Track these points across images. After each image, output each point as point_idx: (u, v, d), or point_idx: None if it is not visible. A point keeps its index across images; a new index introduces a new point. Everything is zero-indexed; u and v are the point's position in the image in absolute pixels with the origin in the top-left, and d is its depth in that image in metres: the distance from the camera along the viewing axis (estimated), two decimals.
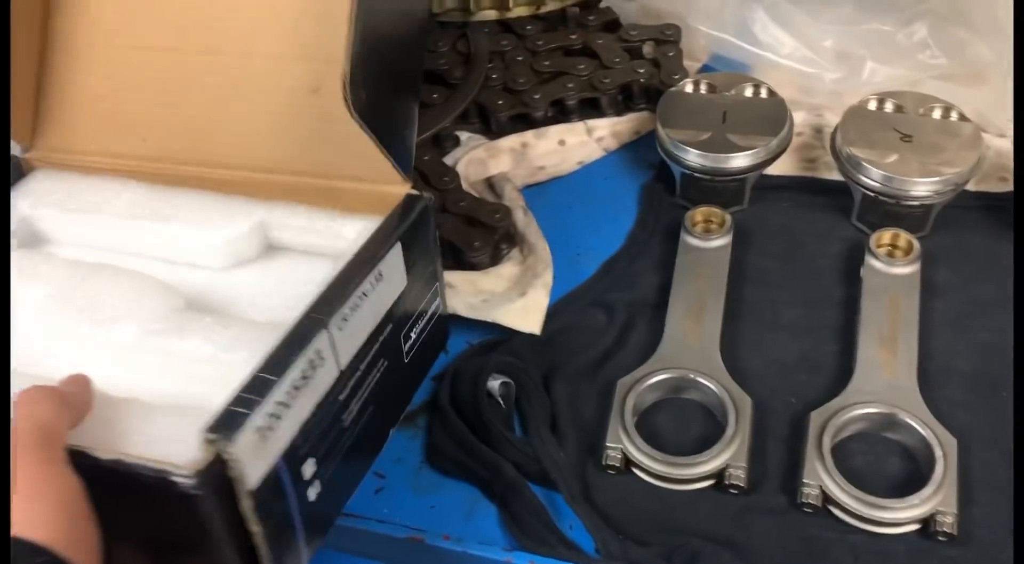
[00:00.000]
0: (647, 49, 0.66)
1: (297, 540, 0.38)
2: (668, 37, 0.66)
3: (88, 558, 0.32)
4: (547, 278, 0.52)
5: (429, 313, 0.46)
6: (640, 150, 0.63)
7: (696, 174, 0.56)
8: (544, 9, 0.66)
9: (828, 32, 0.63)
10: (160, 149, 0.48)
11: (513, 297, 0.52)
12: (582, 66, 0.64)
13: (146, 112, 0.48)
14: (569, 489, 0.44)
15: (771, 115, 0.57)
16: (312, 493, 0.38)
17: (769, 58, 0.64)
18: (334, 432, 0.39)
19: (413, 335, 0.45)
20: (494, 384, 0.49)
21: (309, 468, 0.37)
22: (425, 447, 0.48)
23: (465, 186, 0.58)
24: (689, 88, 0.59)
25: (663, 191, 0.59)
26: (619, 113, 0.64)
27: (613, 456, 0.45)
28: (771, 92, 0.59)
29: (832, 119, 0.61)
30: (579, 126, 0.63)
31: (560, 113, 0.64)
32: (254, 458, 0.34)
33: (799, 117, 0.60)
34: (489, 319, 0.51)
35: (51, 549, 0.30)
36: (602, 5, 0.69)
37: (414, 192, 0.44)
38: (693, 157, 0.55)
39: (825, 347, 0.50)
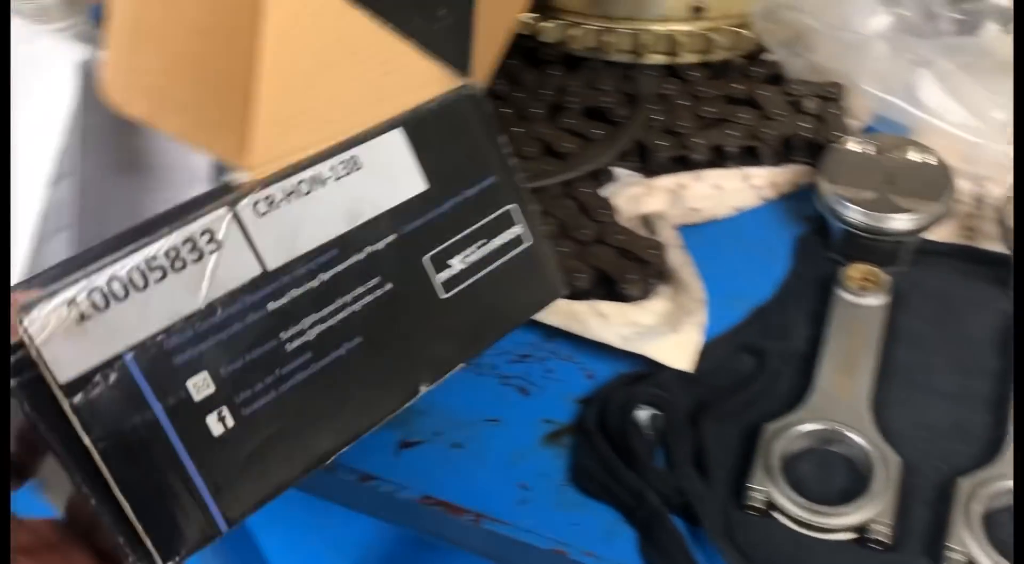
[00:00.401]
0: (810, 104, 0.67)
1: (195, 487, 0.31)
2: (832, 95, 0.67)
3: None
4: (701, 317, 0.54)
5: (501, 244, 0.40)
6: (796, 202, 0.64)
7: (856, 231, 0.56)
8: (711, 57, 0.68)
9: (998, 103, 0.63)
10: None
11: (665, 332, 0.53)
12: (744, 115, 0.66)
13: None
14: (712, 523, 0.45)
15: (935, 180, 0.58)
16: (214, 424, 0.31)
17: (935, 124, 0.64)
18: (260, 353, 0.32)
19: (457, 263, 0.38)
20: (642, 414, 0.50)
21: (201, 384, 0.31)
22: (570, 466, 0.50)
23: (621, 220, 0.60)
24: (854, 146, 0.60)
25: (819, 244, 0.60)
26: (777, 164, 0.65)
27: (757, 497, 0.46)
28: (935, 157, 0.59)
29: (994, 190, 0.61)
30: (736, 172, 0.64)
31: (718, 158, 0.65)
32: (66, 342, 0.28)
33: (962, 185, 0.60)
34: (641, 352, 0.52)
35: None
36: (768, 58, 0.71)
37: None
38: (855, 214, 0.56)
39: (977, 416, 0.50)
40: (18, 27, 0.64)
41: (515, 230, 0.40)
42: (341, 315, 0.34)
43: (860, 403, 0.49)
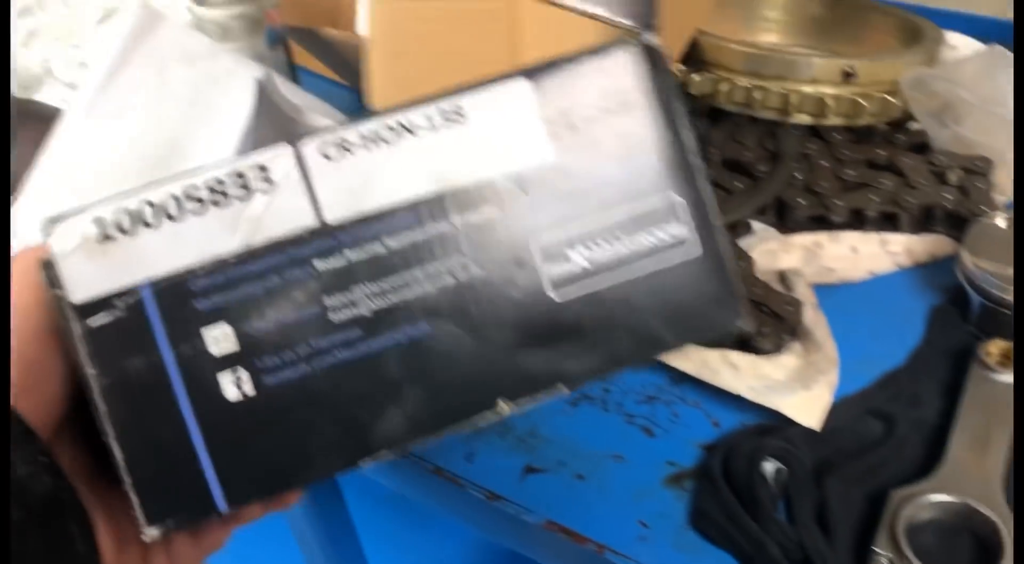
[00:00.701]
0: (954, 176, 0.67)
1: (194, 452, 0.28)
2: (979, 168, 0.67)
3: (39, 405, 0.28)
4: (832, 377, 0.54)
5: (651, 244, 0.30)
6: (934, 272, 0.64)
7: (997, 307, 0.56)
8: (857, 122, 0.69)
9: None
10: None
11: (796, 388, 0.54)
12: (886, 181, 0.66)
13: None
14: None
15: None
16: (229, 386, 0.28)
17: None
18: (298, 317, 0.28)
19: (578, 257, 0.30)
20: (768, 467, 0.51)
21: (222, 338, 0.28)
22: (691, 510, 0.51)
23: (756, 273, 0.61)
24: (1000, 222, 0.60)
25: (956, 316, 0.59)
26: (916, 232, 0.65)
27: (880, 563, 0.46)
28: None
29: None
30: (874, 237, 0.65)
31: (857, 221, 0.66)
32: (85, 262, 0.27)
33: None
34: (771, 405, 0.53)
35: None
36: (914, 127, 0.71)
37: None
38: (997, 290, 0.56)
39: None
40: (202, 44, 0.69)
41: (677, 230, 0.30)
42: (407, 293, 0.29)
43: (993, 480, 0.49)
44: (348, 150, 0.28)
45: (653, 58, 0.30)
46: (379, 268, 0.29)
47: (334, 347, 0.29)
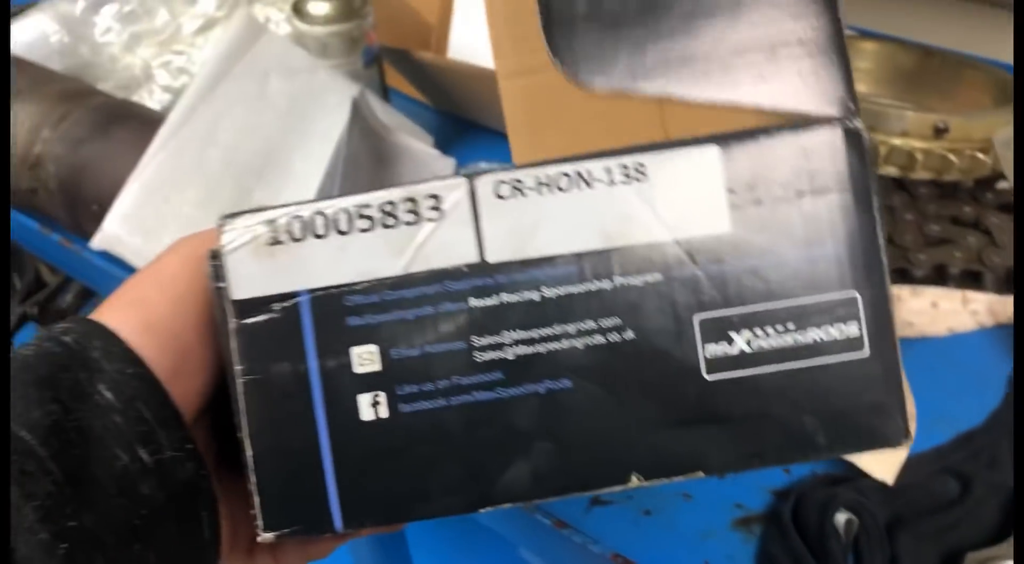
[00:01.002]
0: None
1: (321, 466, 0.28)
2: None
3: (187, 393, 0.28)
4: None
5: (819, 340, 0.29)
6: (1015, 333, 0.63)
7: None
8: (945, 177, 0.68)
9: None
10: None
11: None
12: (971, 238, 0.65)
13: None
14: None
15: None
16: (365, 406, 0.28)
17: None
18: (443, 350, 0.28)
19: (741, 341, 0.29)
20: (839, 517, 0.50)
21: (367, 358, 0.28)
22: (758, 555, 0.50)
23: None
24: None
25: None
26: (1000, 292, 0.64)
27: None
28: None
29: None
30: (956, 294, 0.64)
31: (939, 277, 0.65)
32: (252, 261, 0.28)
33: None
34: (846, 457, 0.53)
35: (125, 341, 0.27)
36: (1003, 186, 0.70)
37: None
38: None
39: None
40: (302, 58, 0.71)
41: (850, 329, 0.29)
42: (555, 346, 0.28)
43: None
44: (521, 192, 0.28)
45: (857, 143, 0.29)
46: (531, 315, 0.28)
47: (473, 387, 0.28)
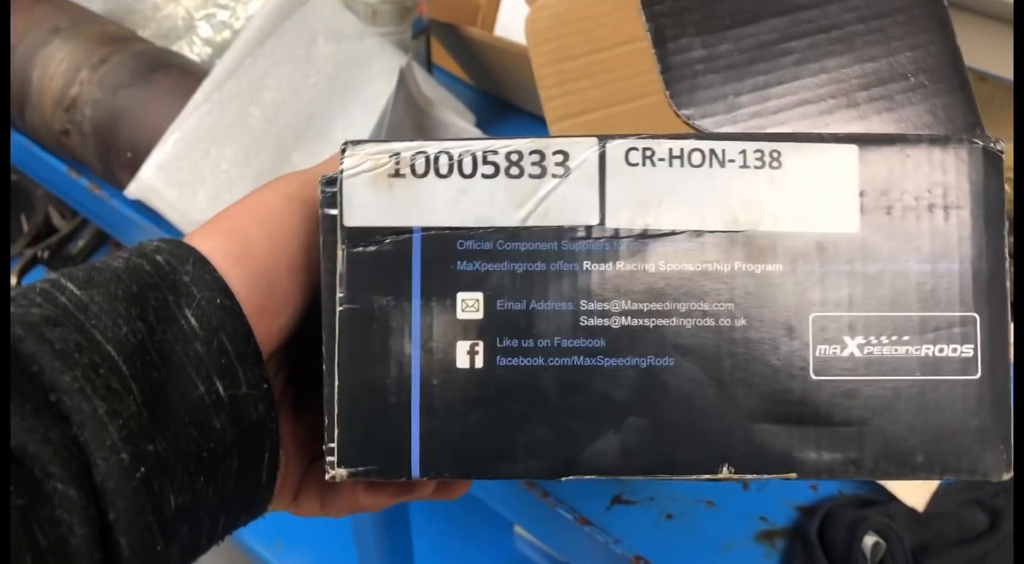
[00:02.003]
0: None
1: (409, 408, 0.27)
2: None
3: (269, 332, 0.28)
4: None
5: (931, 356, 0.28)
6: None
7: None
8: None
9: None
10: None
11: None
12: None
13: None
14: None
15: None
16: (462, 353, 0.28)
17: None
18: (548, 308, 0.28)
19: (853, 346, 0.28)
20: (867, 540, 0.49)
21: (471, 305, 0.28)
22: None
23: None
24: None
25: None
26: None
27: None
28: None
29: None
30: None
31: None
32: (369, 190, 0.27)
33: None
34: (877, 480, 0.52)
35: (212, 262, 0.27)
36: None
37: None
38: None
39: None
40: (351, 24, 0.69)
41: (965, 350, 0.28)
42: (662, 322, 0.28)
43: None
44: (652, 161, 0.28)
45: (994, 163, 0.29)
46: (644, 287, 0.28)
47: (574, 351, 0.28)
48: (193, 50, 0.78)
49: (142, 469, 0.24)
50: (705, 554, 0.50)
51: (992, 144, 0.29)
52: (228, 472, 0.26)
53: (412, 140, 0.28)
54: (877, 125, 0.30)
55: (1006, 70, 0.84)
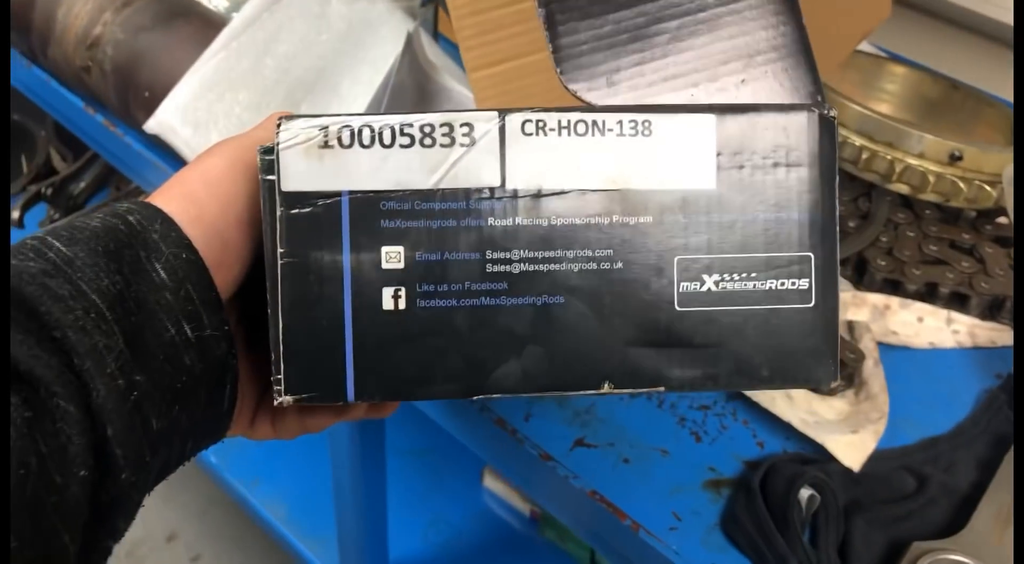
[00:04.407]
0: None
1: (343, 343, 0.32)
2: None
3: (226, 282, 0.32)
4: (880, 427, 0.58)
5: (775, 288, 0.34)
6: (991, 358, 0.67)
7: None
8: (951, 203, 0.72)
9: None
10: None
11: (843, 429, 0.57)
12: (965, 263, 0.69)
13: None
14: None
15: None
16: (387, 298, 0.32)
17: None
18: (460, 258, 0.32)
19: (711, 283, 0.34)
20: (803, 492, 0.54)
21: (394, 256, 0.32)
22: (724, 514, 0.54)
23: None
24: None
25: (1006, 404, 0.63)
26: (982, 318, 0.68)
27: None
28: None
29: None
30: (942, 313, 0.68)
31: (929, 294, 0.69)
32: (302, 159, 0.31)
33: None
34: (818, 439, 0.56)
35: (170, 216, 0.31)
36: (1001, 220, 0.74)
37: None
38: None
39: None
40: None
41: (801, 283, 0.34)
42: (554, 266, 0.33)
43: (1009, 555, 0.52)
44: (544, 132, 0.32)
45: (828, 127, 0.34)
46: (538, 239, 0.33)
47: (481, 293, 0.33)
48: (212, 1, 0.81)
49: (134, 394, 0.28)
50: (656, 495, 0.54)
51: (826, 111, 0.34)
52: (198, 401, 0.31)
53: (342, 115, 0.32)
54: (733, 96, 0.35)
55: (977, 80, 0.88)
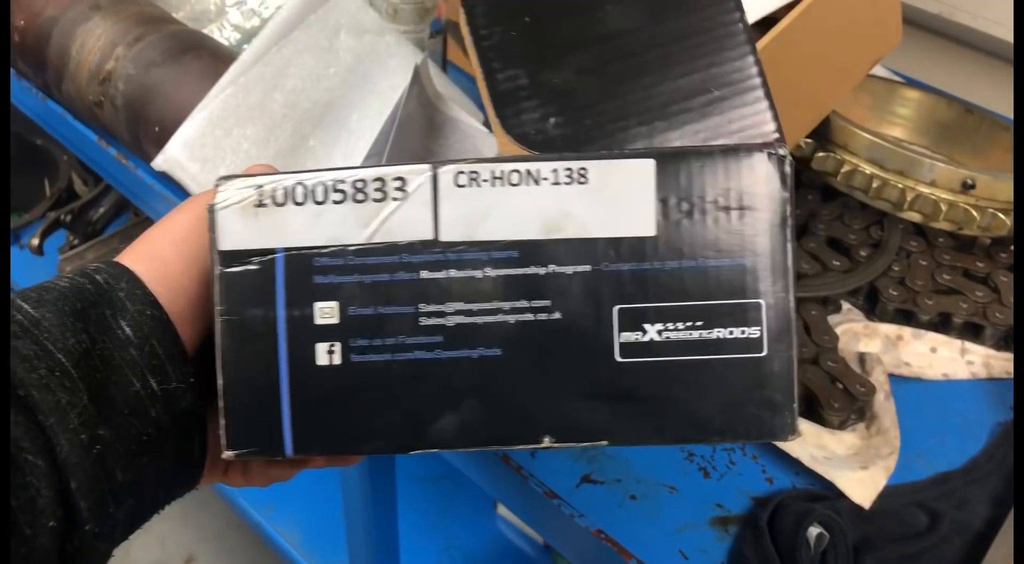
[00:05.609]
0: None
1: (279, 399, 0.32)
2: None
3: (192, 337, 0.33)
4: (890, 463, 0.57)
5: (722, 338, 0.33)
6: (1006, 390, 0.66)
7: None
8: (965, 231, 0.71)
9: None
10: None
11: (854, 465, 0.56)
12: (980, 293, 0.68)
13: None
14: None
15: None
16: (322, 353, 0.32)
17: None
18: (393, 313, 0.32)
19: (653, 332, 0.33)
20: (812, 530, 0.53)
21: (327, 312, 0.32)
22: (731, 552, 0.53)
23: (838, 349, 0.64)
24: None
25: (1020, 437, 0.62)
26: (997, 348, 0.67)
27: None
28: None
29: None
30: (956, 343, 0.67)
31: (942, 324, 0.68)
32: (239, 219, 0.32)
33: None
34: (827, 476, 0.56)
35: (137, 275, 0.32)
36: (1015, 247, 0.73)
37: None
38: None
39: None
40: (373, 20, 0.73)
41: (751, 332, 0.33)
42: (490, 318, 0.32)
43: None
44: (477, 183, 0.32)
45: (782, 169, 0.33)
46: (473, 291, 0.32)
47: (416, 346, 0.32)
48: (223, 34, 0.82)
49: (97, 447, 0.29)
50: (663, 533, 0.54)
51: (776, 151, 0.32)
52: (167, 452, 0.32)
53: (279, 173, 0.32)
54: (677, 136, 0.35)
55: (992, 104, 0.88)
